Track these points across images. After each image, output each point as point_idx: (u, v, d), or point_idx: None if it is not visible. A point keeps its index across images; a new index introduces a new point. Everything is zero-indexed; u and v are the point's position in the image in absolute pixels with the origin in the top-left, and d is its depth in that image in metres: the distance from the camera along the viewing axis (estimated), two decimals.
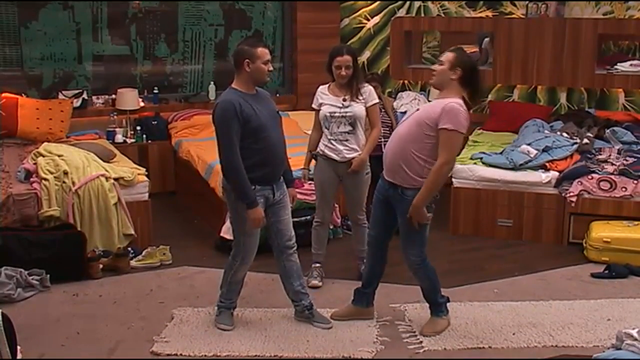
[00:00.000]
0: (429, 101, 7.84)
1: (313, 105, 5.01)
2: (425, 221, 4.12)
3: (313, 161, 5.11)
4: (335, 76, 4.85)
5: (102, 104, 7.41)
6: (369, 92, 4.93)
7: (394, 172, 4.13)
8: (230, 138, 4.01)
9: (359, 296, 4.51)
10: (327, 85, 4.98)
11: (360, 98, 4.88)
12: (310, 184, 5.41)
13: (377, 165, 4.96)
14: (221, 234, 5.60)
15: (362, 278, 4.62)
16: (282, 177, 4.32)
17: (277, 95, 8.25)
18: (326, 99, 4.92)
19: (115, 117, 7.26)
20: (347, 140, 4.88)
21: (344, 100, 4.86)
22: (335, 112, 4.86)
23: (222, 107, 4.04)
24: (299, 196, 5.74)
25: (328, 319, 4.48)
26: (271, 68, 4.17)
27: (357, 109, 4.86)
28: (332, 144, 4.90)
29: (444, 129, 3.93)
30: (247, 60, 4.06)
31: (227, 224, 5.42)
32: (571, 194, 5.83)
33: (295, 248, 4.43)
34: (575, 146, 6.30)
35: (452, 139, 3.95)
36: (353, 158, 4.88)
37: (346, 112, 4.85)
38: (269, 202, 4.23)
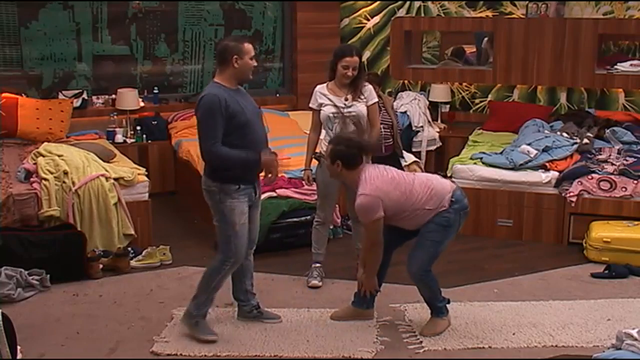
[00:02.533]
0: (429, 101, 7.86)
1: (311, 105, 4.97)
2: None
3: (314, 161, 5.10)
4: (340, 75, 4.82)
5: (102, 104, 7.40)
6: (369, 91, 4.92)
7: None
8: (215, 130, 3.94)
9: (359, 298, 4.50)
10: (325, 84, 4.95)
11: (362, 97, 4.88)
12: (311, 184, 5.40)
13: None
14: None
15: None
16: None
17: (277, 95, 8.26)
18: (326, 99, 4.88)
19: (115, 117, 7.25)
20: None
21: (346, 99, 4.85)
22: (338, 113, 4.84)
23: (208, 99, 3.96)
24: (298, 196, 5.77)
25: (276, 314, 4.47)
26: (255, 64, 4.13)
27: (360, 108, 4.85)
28: None
29: None
30: (236, 56, 4.01)
31: None
32: (571, 194, 5.83)
33: (254, 247, 4.41)
34: (575, 146, 6.30)
35: None
36: None
37: (350, 112, 4.83)
38: (251, 201, 4.18)
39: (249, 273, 4.41)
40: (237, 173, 4.05)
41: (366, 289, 4.37)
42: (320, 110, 4.90)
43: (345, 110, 4.83)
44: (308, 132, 5.33)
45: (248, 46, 4.06)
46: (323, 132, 4.99)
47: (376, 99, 4.96)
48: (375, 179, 4.13)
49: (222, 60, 4.07)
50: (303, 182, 5.39)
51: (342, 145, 4.24)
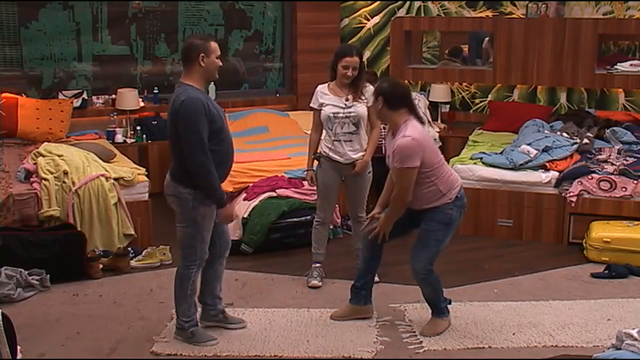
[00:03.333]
0: (429, 101, 7.86)
1: (312, 105, 4.97)
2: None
3: (315, 161, 5.10)
4: (340, 75, 4.82)
5: (102, 104, 7.41)
6: (370, 91, 4.91)
7: None
8: (202, 136, 3.83)
9: (356, 295, 4.50)
10: (327, 84, 4.95)
11: (363, 98, 4.87)
12: (314, 185, 5.39)
13: (379, 165, 4.96)
14: None
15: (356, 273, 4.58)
16: None
17: (277, 95, 8.26)
18: (327, 99, 4.89)
19: (115, 117, 7.25)
20: (350, 140, 4.86)
21: (347, 100, 4.85)
22: (338, 113, 4.83)
23: (192, 103, 3.81)
24: (298, 196, 5.77)
25: (241, 318, 4.43)
26: (221, 64, 4.03)
27: (360, 108, 4.85)
28: (335, 145, 4.87)
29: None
30: (202, 54, 3.91)
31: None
32: (571, 194, 5.83)
33: (228, 251, 4.39)
34: (575, 146, 6.30)
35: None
36: (357, 159, 4.87)
37: (350, 113, 4.83)
38: None
39: (220, 278, 4.35)
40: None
41: (380, 230, 4.27)
42: (321, 110, 4.90)
43: (345, 110, 4.82)
44: (308, 132, 5.33)
45: (214, 45, 3.98)
46: (324, 132, 4.98)
47: None
48: (423, 132, 4.16)
49: (188, 59, 3.96)
50: (303, 182, 5.40)
51: (387, 83, 4.33)
